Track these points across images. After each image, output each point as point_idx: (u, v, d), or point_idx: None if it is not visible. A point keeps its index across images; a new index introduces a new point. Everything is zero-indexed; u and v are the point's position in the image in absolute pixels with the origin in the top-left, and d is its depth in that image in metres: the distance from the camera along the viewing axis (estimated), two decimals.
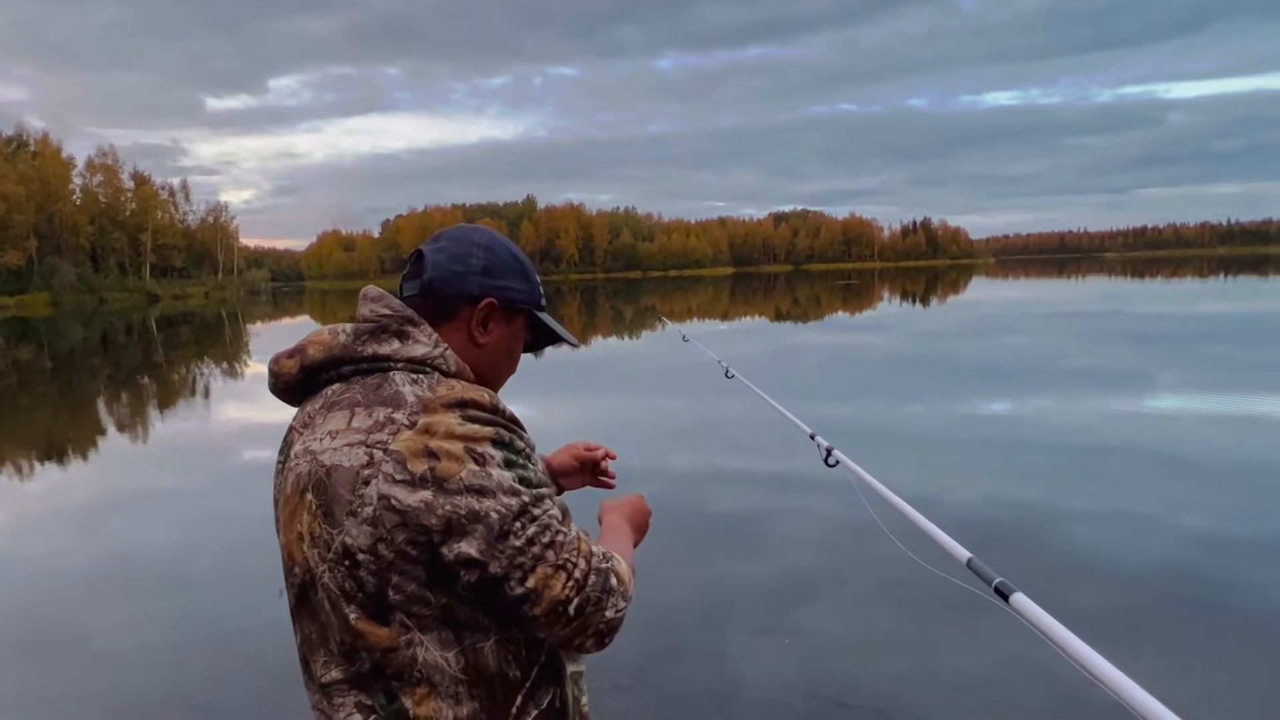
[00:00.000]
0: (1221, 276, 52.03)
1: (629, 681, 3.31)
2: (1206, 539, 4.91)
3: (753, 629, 3.85)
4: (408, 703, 0.94)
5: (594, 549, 0.99)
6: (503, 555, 0.90)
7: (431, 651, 0.94)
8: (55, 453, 9.26)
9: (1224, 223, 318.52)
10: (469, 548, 0.90)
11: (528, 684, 0.99)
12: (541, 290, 1.18)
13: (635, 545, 1.21)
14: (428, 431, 0.92)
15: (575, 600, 0.93)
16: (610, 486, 1.42)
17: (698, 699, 3.23)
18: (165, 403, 13.21)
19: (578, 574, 0.94)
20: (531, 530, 0.92)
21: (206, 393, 14.37)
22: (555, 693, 1.02)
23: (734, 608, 4.11)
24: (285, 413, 1.13)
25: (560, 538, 0.94)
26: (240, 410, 11.73)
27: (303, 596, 1.01)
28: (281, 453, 1.08)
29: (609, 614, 0.96)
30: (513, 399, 1.06)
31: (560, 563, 0.93)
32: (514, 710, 0.98)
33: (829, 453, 2.05)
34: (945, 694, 3.26)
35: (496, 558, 0.90)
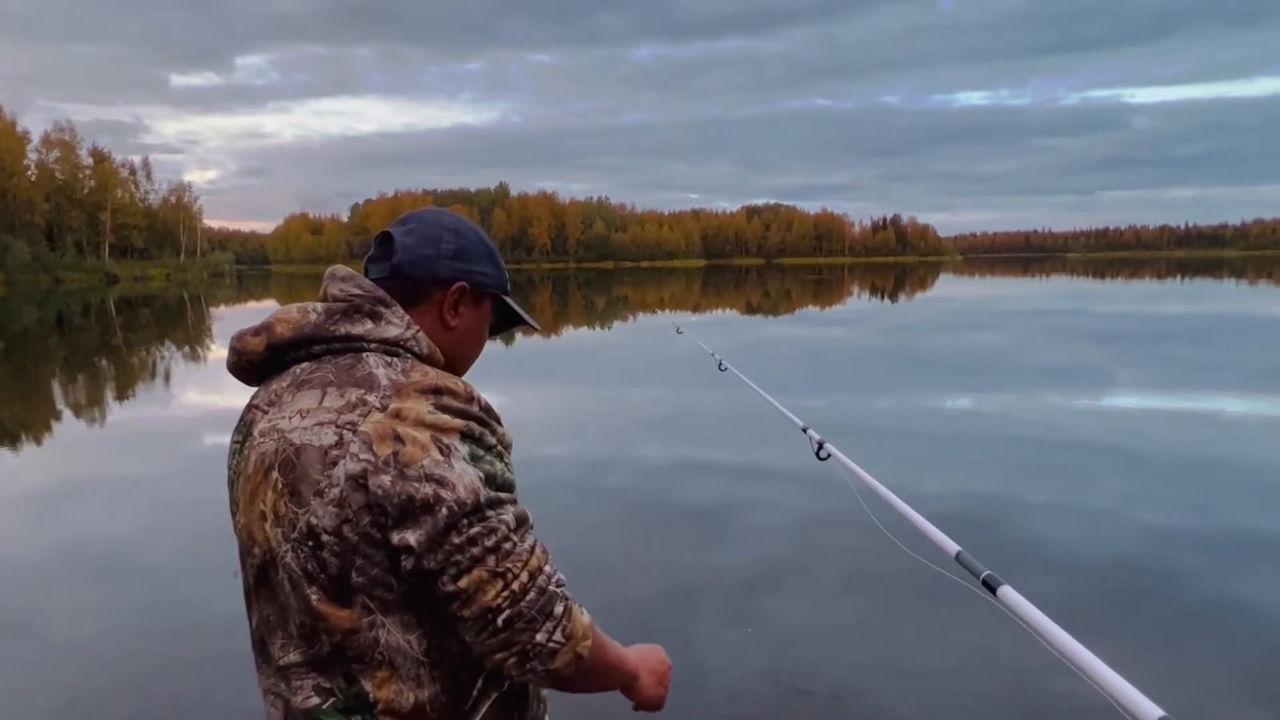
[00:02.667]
0: (1178, 278, 53.48)
1: None
2: (1167, 531, 5.02)
3: (730, 619, 3.85)
4: (368, 685, 0.93)
5: (546, 568, 0.94)
6: (440, 550, 0.88)
7: (394, 634, 0.93)
8: (7, 436, 8.96)
9: (1182, 226, 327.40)
10: (410, 537, 0.88)
11: (490, 668, 0.97)
12: (507, 274, 1.19)
13: (638, 681, 1.10)
14: (397, 416, 0.92)
15: (506, 611, 0.89)
16: None
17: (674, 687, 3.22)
18: (123, 386, 12.86)
19: (515, 585, 0.90)
20: (475, 530, 0.89)
21: (167, 377, 14.02)
22: None
23: (715, 598, 4.11)
24: (247, 396, 1.09)
25: (506, 545, 0.91)
26: (201, 395, 11.46)
27: (262, 577, 0.98)
28: (239, 432, 1.05)
29: (539, 637, 0.90)
30: (499, 390, 1.02)
31: (499, 570, 0.89)
32: (475, 693, 0.97)
33: (820, 446, 2.05)
34: (929, 683, 3.29)
35: (433, 551, 0.88)
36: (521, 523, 0.94)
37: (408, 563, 0.89)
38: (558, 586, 0.94)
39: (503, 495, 0.93)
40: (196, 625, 3.83)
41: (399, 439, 0.89)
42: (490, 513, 0.90)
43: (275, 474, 0.95)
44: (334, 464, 0.90)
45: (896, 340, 17.75)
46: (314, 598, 0.92)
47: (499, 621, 0.89)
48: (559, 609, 0.92)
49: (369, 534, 0.90)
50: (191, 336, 22.42)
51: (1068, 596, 4.01)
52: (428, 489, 0.88)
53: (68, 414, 10.36)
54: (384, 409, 0.92)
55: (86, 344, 20.32)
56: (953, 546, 1.36)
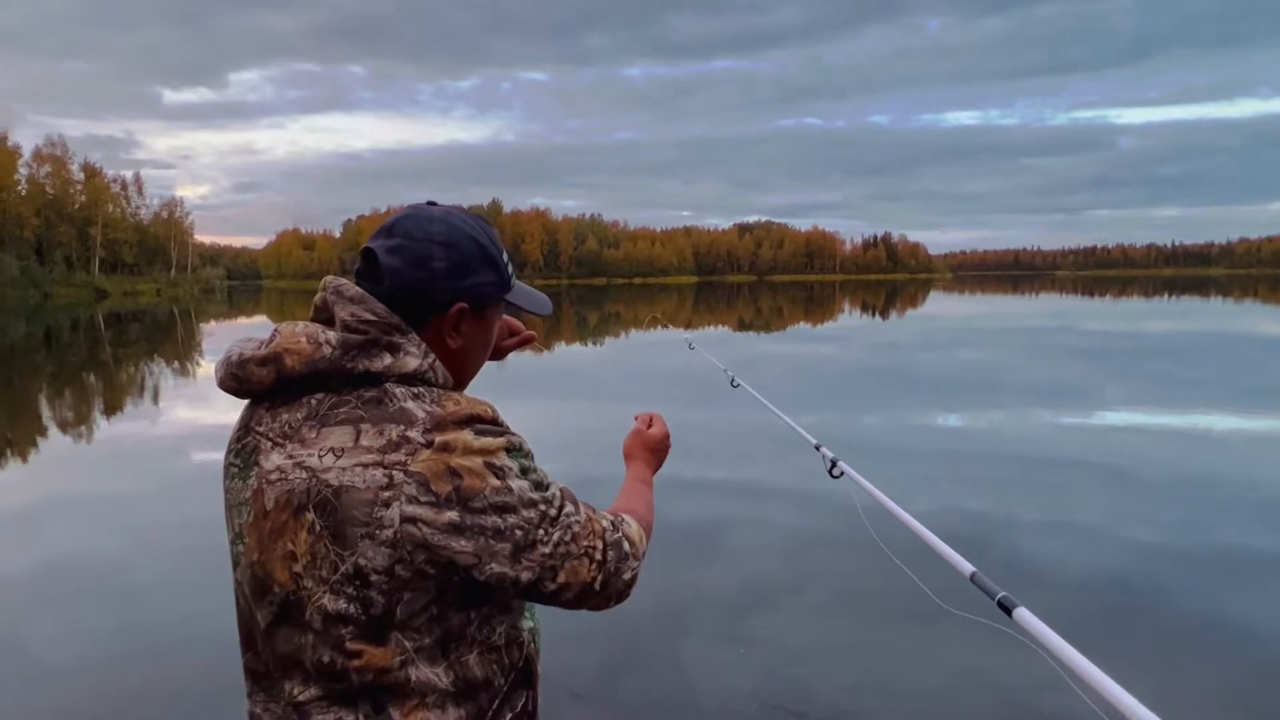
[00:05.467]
0: (1166, 296, 53.95)
1: (587, 691, 3.27)
2: (1166, 548, 5.01)
3: (728, 638, 3.82)
4: (395, 714, 0.94)
5: (603, 523, 1.02)
6: (534, 563, 0.93)
7: (423, 670, 0.94)
8: None
9: (1168, 244, 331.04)
10: (501, 566, 0.92)
11: (506, 689, 1.01)
12: (510, 267, 1.10)
13: (656, 469, 1.34)
14: (446, 449, 0.91)
15: (599, 577, 0.98)
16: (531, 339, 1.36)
17: (658, 708, 3.20)
18: (111, 402, 12.74)
19: (598, 555, 0.98)
20: (556, 534, 0.95)
21: (155, 393, 13.89)
22: (528, 695, 1.05)
23: (718, 618, 4.07)
24: (235, 411, 1.05)
25: (577, 529, 0.97)
26: (189, 411, 11.35)
27: (282, 616, 0.96)
28: (239, 456, 1.01)
29: (625, 576, 1.02)
30: (522, 401, 0.99)
31: (582, 552, 0.97)
32: (492, 714, 0.99)
33: (834, 464, 2.02)
34: (941, 706, 3.26)
35: (529, 567, 0.93)
36: (572, 499, 1.00)
37: (513, 588, 0.94)
38: (615, 532, 1.02)
39: (551, 490, 0.97)
40: (184, 645, 3.76)
41: (455, 473, 0.90)
42: (554, 512, 0.96)
43: (310, 515, 0.92)
44: (386, 505, 0.89)
45: (891, 357, 17.80)
46: (348, 637, 0.92)
47: (597, 587, 0.98)
48: (626, 547, 1.02)
49: (423, 570, 0.91)
50: (181, 352, 22.27)
51: (1071, 612, 3.99)
52: (496, 518, 0.91)
53: (54, 430, 10.24)
54: (430, 444, 0.91)
55: (74, 359, 20.15)
56: (967, 567, 1.34)
